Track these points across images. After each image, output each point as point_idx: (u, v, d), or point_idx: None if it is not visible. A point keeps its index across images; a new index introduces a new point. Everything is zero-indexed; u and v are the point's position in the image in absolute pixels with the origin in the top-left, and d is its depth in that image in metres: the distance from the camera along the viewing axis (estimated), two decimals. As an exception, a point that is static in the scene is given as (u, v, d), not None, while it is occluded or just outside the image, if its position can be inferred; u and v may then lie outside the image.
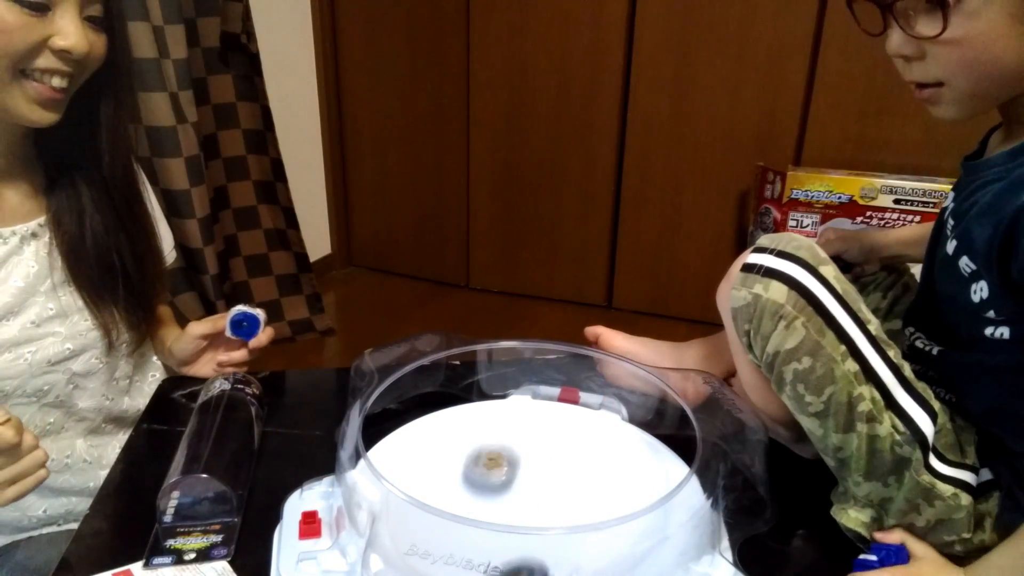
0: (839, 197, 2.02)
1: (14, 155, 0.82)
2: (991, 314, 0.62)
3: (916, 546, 0.66)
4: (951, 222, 0.67)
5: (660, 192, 2.35)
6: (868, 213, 2.01)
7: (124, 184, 0.88)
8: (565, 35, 2.27)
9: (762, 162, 2.14)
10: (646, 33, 2.19)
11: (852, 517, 0.68)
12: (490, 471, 0.71)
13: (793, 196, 2.06)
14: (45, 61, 0.73)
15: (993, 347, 0.62)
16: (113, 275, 0.87)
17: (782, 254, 0.65)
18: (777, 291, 0.63)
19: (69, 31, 0.72)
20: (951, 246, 0.66)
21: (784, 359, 0.64)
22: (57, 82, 0.74)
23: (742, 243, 2.29)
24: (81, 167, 0.84)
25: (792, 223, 2.08)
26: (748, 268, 0.66)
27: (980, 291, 0.62)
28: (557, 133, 2.39)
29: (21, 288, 0.81)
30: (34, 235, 0.83)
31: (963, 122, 0.65)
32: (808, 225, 2.07)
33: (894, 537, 0.67)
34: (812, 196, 2.04)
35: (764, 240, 0.67)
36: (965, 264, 0.63)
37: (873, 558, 0.65)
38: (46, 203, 0.85)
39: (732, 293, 0.66)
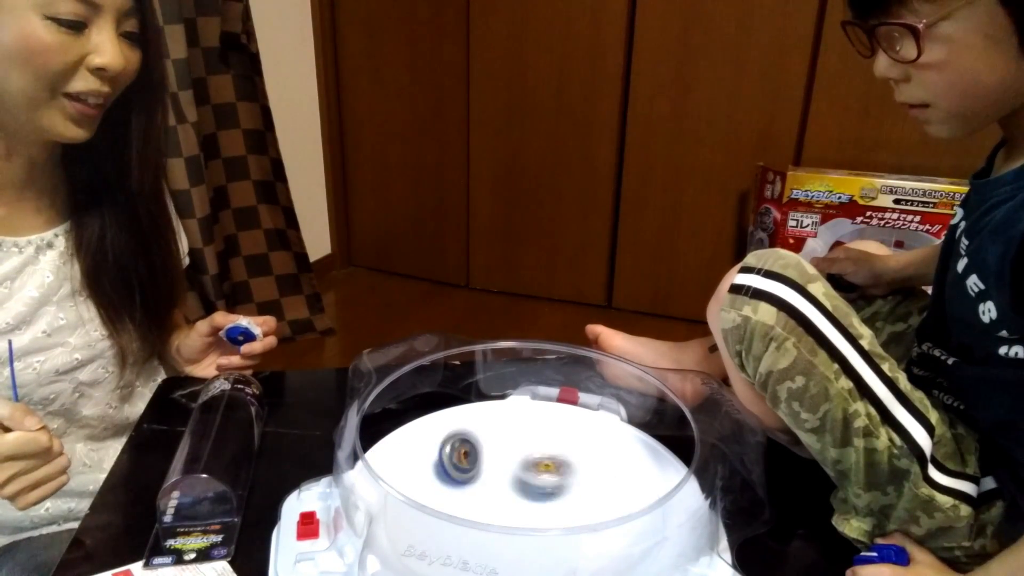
0: (839, 197, 2.02)
1: (36, 166, 0.82)
2: (1003, 333, 0.61)
3: (916, 551, 0.66)
4: (964, 241, 0.66)
5: (660, 192, 2.34)
6: (868, 213, 2.01)
7: (151, 199, 0.88)
8: (565, 35, 2.27)
9: (762, 162, 2.14)
10: (646, 33, 2.19)
11: (854, 526, 0.68)
12: (539, 475, 0.71)
13: (793, 196, 2.06)
14: (83, 83, 0.73)
15: (1008, 364, 0.62)
16: (130, 288, 0.87)
17: (769, 274, 0.65)
18: (766, 313, 0.63)
19: (105, 48, 0.72)
20: (961, 264, 0.65)
21: (777, 379, 0.64)
22: (93, 100, 0.74)
23: (742, 243, 2.29)
24: (108, 180, 0.84)
25: (792, 223, 2.08)
26: (736, 289, 0.66)
27: (988, 311, 0.62)
28: (557, 133, 2.39)
29: (35, 298, 0.81)
30: (50, 245, 0.83)
31: (960, 139, 0.65)
32: (808, 225, 2.08)
33: (894, 541, 0.67)
34: (812, 196, 2.04)
35: (751, 259, 0.67)
36: (973, 283, 0.63)
37: (873, 555, 0.66)
38: (65, 213, 0.84)
39: (721, 315, 0.66)
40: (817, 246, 2.09)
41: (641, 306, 2.51)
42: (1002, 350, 0.62)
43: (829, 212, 2.04)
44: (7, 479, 0.66)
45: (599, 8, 2.20)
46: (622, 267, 2.49)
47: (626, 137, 2.32)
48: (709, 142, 2.23)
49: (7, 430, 0.67)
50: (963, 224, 0.68)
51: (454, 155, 2.55)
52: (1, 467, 0.66)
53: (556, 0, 2.24)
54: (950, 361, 0.70)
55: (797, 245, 2.10)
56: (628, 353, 0.90)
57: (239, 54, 2.02)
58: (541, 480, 0.70)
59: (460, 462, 0.72)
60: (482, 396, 0.88)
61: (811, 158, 2.14)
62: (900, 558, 0.65)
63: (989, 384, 0.65)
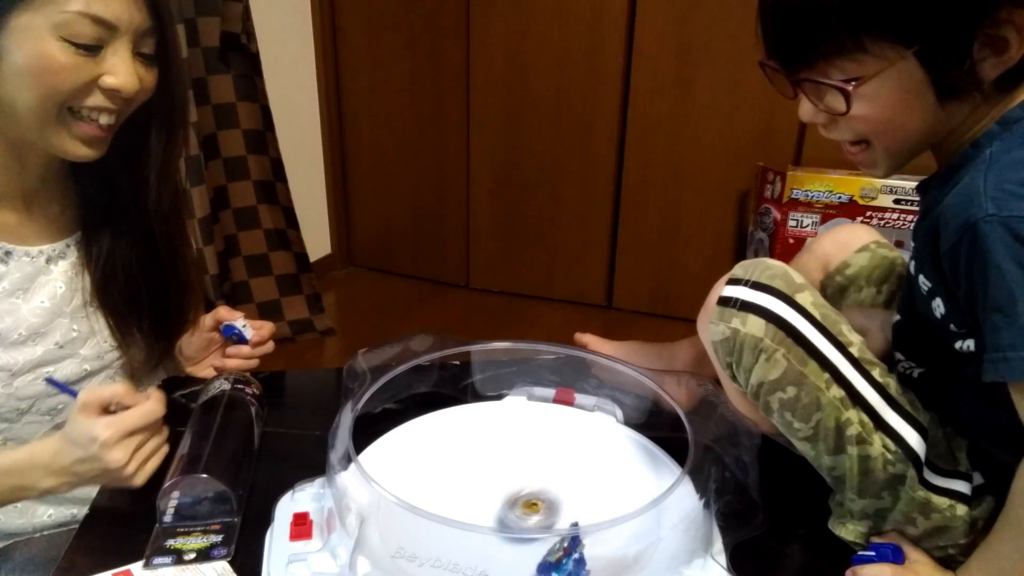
0: (839, 197, 2.02)
1: (48, 177, 0.81)
2: (953, 327, 0.63)
3: (911, 550, 0.67)
4: (912, 243, 0.69)
5: (660, 192, 2.35)
6: (868, 213, 2.01)
7: (168, 218, 0.87)
8: (565, 35, 2.27)
9: (762, 162, 2.14)
10: (646, 33, 2.19)
11: (850, 529, 0.69)
12: (528, 516, 0.69)
13: (793, 196, 2.06)
14: (94, 100, 0.72)
15: (963, 360, 0.63)
16: (140, 301, 0.87)
17: (757, 285, 0.65)
18: (755, 325, 0.64)
19: (119, 70, 0.71)
20: (912, 265, 0.67)
21: (768, 390, 0.65)
22: (105, 119, 0.74)
23: (742, 243, 2.29)
24: (123, 196, 0.83)
25: (792, 223, 2.08)
26: (724, 302, 0.66)
27: (939, 307, 0.63)
28: (557, 133, 2.39)
29: (47, 308, 0.81)
30: (62, 255, 0.83)
31: (891, 175, 0.68)
32: (808, 225, 2.08)
33: (890, 540, 0.67)
34: (812, 196, 2.05)
35: (738, 270, 0.68)
36: (923, 282, 0.64)
37: (871, 554, 0.67)
38: (76, 224, 0.84)
39: (710, 327, 0.67)
40: (817, 246, 2.09)
41: (641, 306, 2.51)
42: (957, 344, 0.63)
43: (829, 212, 2.04)
44: (130, 456, 0.69)
45: (599, 8, 2.21)
46: (622, 267, 2.49)
47: (626, 137, 2.32)
48: (709, 142, 2.23)
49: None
50: (914, 226, 0.70)
51: (454, 155, 2.55)
52: (124, 443, 0.68)
53: (556, 0, 2.24)
54: (915, 374, 0.71)
55: (797, 245, 2.10)
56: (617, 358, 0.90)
57: (239, 54, 2.02)
58: (527, 523, 0.68)
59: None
60: (478, 397, 0.88)
61: (811, 158, 2.14)
62: (897, 556, 0.66)
63: (953, 386, 0.66)
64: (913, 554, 0.66)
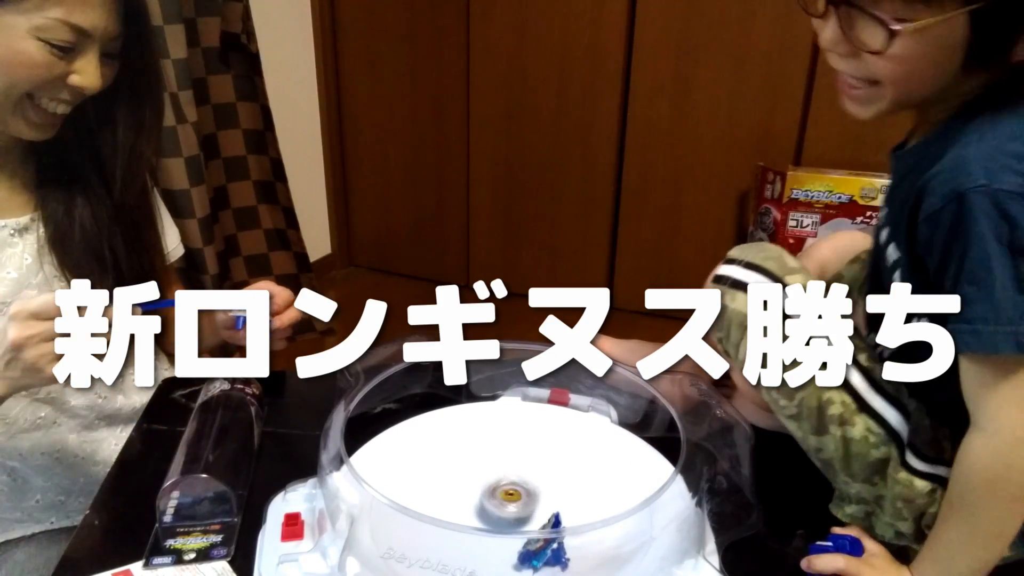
0: (839, 197, 2.03)
1: (7, 151, 0.84)
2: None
3: (869, 543, 0.68)
4: (885, 208, 0.69)
5: (660, 192, 2.35)
6: (868, 213, 2.01)
7: (136, 208, 0.90)
8: (565, 35, 2.27)
9: (762, 162, 2.14)
10: (646, 33, 2.19)
11: (847, 512, 0.70)
12: (506, 504, 0.70)
13: (793, 196, 2.06)
14: (58, 94, 0.77)
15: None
16: (105, 277, 0.87)
17: (750, 265, 0.68)
18: (743, 302, 0.65)
19: (87, 71, 0.76)
20: (884, 234, 0.67)
21: None
22: (62, 109, 0.78)
23: (742, 243, 2.29)
24: (89, 182, 0.86)
25: (792, 223, 2.08)
26: (718, 280, 0.69)
27: (897, 278, 0.64)
28: (557, 133, 2.39)
29: (15, 280, 0.82)
30: (26, 229, 0.85)
31: (874, 121, 0.66)
32: (808, 225, 2.08)
33: (851, 531, 0.69)
34: (812, 196, 2.05)
35: (735, 251, 0.70)
36: (892, 252, 0.65)
37: (828, 544, 0.68)
38: (39, 198, 0.86)
39: None
40: (817, 246, 2.09)
41: (641, 306, 2.50)
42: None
43: (829, 212, 2.04)
44: (28, 337, 0.64)
45: (599, 8, 2.21)
46: (622, 267, 2.49)
47: (626, 137, 2.32)
48: (709, 142, 2.23)
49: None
50: (885, 194, 0.71)
51: (454, 155, 2.55)
52: (26, 323, 0.64)
53: (556, 1, 2.24)
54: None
55: (797, 245, 2.10)
56: (617, 356, 0.90)
57: (239, 54, 2.02)
58: (505, 511, 0.69)
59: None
60: (473, 397, 0.88)
61: (811, 158, 2.14)
62: (854, 548, 0.67)
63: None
64: (872, 546, 0.67)
